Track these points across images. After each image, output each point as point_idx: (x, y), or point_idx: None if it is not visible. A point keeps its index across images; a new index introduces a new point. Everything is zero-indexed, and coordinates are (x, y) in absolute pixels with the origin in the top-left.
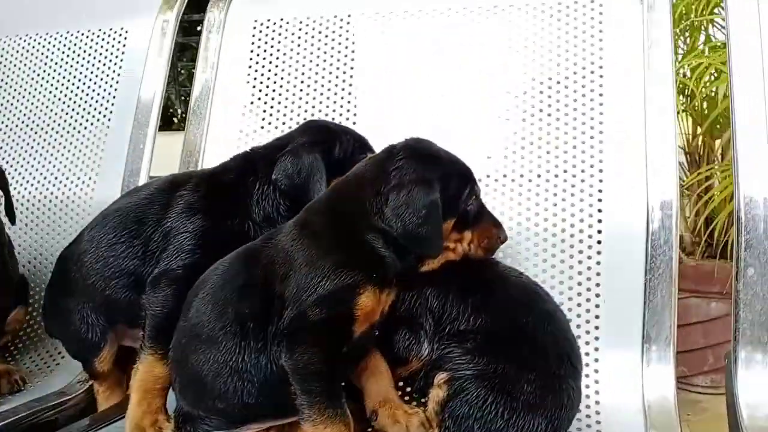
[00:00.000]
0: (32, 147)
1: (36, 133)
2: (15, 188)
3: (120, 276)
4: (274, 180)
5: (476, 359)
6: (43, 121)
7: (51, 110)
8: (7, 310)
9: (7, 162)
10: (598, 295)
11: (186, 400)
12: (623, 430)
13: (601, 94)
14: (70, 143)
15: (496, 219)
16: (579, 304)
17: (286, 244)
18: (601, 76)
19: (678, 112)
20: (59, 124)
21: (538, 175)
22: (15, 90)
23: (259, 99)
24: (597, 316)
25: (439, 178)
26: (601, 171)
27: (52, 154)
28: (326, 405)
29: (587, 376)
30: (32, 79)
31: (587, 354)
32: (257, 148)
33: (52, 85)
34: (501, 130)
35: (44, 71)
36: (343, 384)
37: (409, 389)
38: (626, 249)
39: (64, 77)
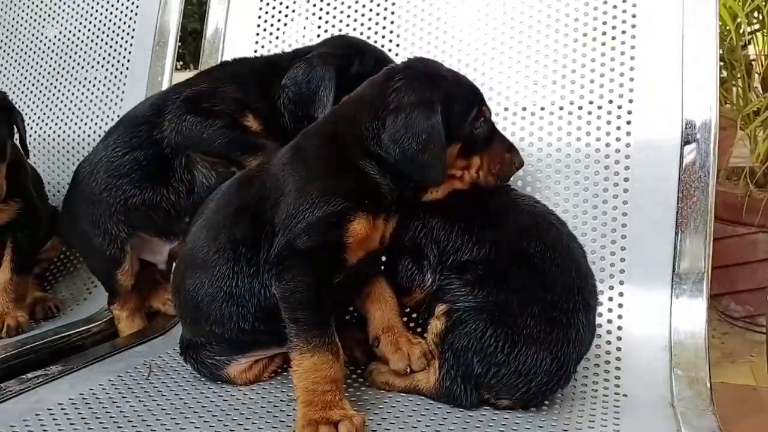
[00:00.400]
0: (54, 86)
1: (56, 71)
2: (39, 126)
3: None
4: (283, 86)
5: (476, 291)
6: (64, 60)
7: (71, 48)
8: (39, 240)
9: (30, 100)
10: (624, 225)
11: (186, 327)
12: (645, 367)
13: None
14: (90, 81)
15: (510, 143)
16: (604, 235)
17: (278, 168)
18: None
19: (753, 32)
20: (79, 63)
21: (563, 87)
22: (34, 29)
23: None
24: (623, 248)
25: (441, 99)
26: (632, 82)
27: (72, 93)
28: (313, 334)
29: (610, 310)
30: (50, 17)
31: (611, 287)
32: (279, 54)
33: (70, 23)
34: (532, 42)
35: (62, 8)
36: (350, 310)
37: (415, 322)
38: (657, 174)
39: (82, 14)
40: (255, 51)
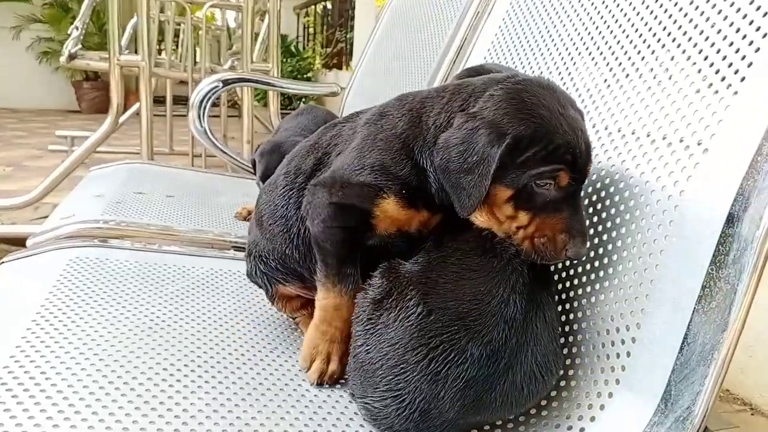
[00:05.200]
0: None
1: None
2: None
3: None
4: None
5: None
6: None
7: None
8: None
9: None
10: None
11: (251, 235)
12: None
13: None
14: None
15: (581, 225)
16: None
17: (360, 122)
18: None
19: None
20: None
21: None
22: None
23: None
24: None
25: (517, 135)
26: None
27: None
28: (339, 279)
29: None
30: None
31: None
32: None
33: None
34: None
35: None
36: None
37: None
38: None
39: None
40: None
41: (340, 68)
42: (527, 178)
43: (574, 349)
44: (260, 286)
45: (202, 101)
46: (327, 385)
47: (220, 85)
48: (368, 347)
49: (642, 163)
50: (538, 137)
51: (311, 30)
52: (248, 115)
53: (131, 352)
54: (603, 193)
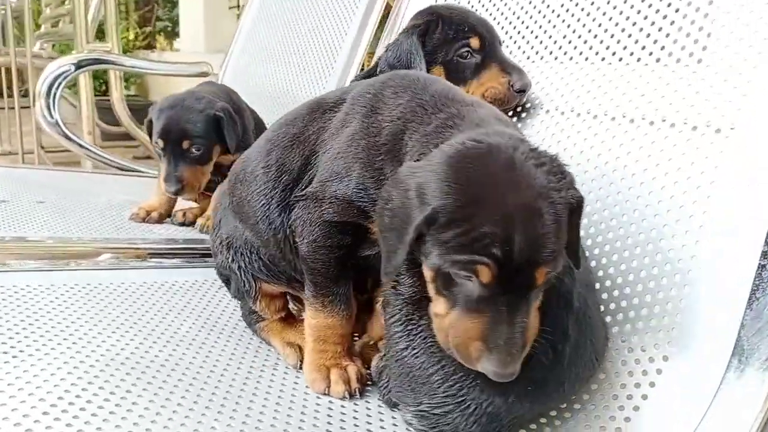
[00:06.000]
0: None
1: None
2: None
3: None
4: (379, 71)
5: (408, 279)
6: None
7: None
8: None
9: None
10: None
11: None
12: None
13: None
14: None
15: (506, 339)
16: None
17: (349, 109)
18: None
19: None
20: None
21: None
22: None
23: None
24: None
25: (436, 207)
26: None
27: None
28: (329, 300)
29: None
30: None
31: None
32: None
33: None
34: None
35: None
36: None
37: None
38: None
39: None
40: None
41: (163, 48)
42: (444, 263)
43: (620, 316)
44: (237, 282)
45: (51, 88)
46: (357, 395)
47: (72, 68)
48: (415, 350)
49: None
50: (459, 218)
51: (123, 8)
52: (88, 103)
53: None
54: None
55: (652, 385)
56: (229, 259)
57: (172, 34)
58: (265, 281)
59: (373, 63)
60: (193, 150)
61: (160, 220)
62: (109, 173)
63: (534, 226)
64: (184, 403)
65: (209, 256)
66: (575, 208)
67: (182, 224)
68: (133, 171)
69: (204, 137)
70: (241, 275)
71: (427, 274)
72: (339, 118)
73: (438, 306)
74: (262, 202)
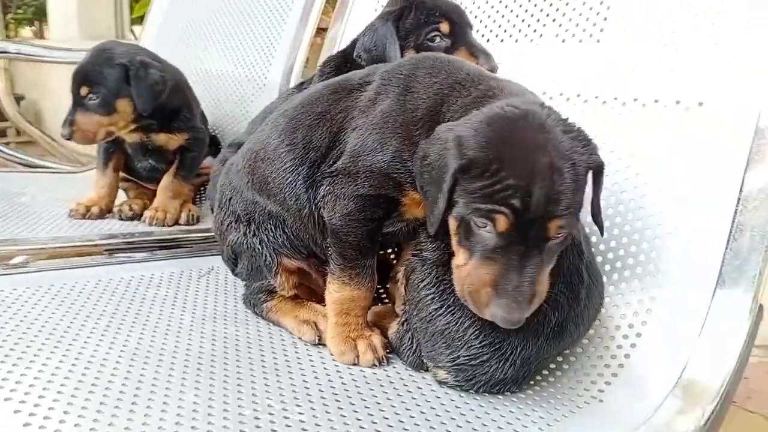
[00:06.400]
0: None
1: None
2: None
3: None
4: (355, 58)
5: (433, 244)
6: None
7: None
8: (198, 161)
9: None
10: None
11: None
12: (653, 389)
13: None
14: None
15: (516, 286)
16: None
17: (377, 90)
18: None
19: None
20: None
21: None
22: None
23: None
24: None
25: (473, 157)
26: None
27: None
28: (357, 272)
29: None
30: None
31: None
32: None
33: None
34: None
35: None
36: None
37: None
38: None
39: None
40: None
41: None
42: (468, 211)
43: (607, 267)
44: (255, 257)
45: None
46: (385, 362)
47: None
48: (450, 308)
49: None
50: (489, 170)
51: None
52: None
53: None
54: None
55: (643, 323)
56: (250, 234)
57: (38, 20)
58: (286, 255)
59: (346, 46)
60: (92, 96)
61: (101, 215)
62: (12, 171)
63: (553, 183)
64: (207, 389)
65: (178, 247)
66: (597, 172)
67: (130, 218)
68: (39, 168)
69: (104, 85)
70: (262, 249)
71: (452, 224)
72: (368, 96)
73: (459, 258)
74: (289, 179)
